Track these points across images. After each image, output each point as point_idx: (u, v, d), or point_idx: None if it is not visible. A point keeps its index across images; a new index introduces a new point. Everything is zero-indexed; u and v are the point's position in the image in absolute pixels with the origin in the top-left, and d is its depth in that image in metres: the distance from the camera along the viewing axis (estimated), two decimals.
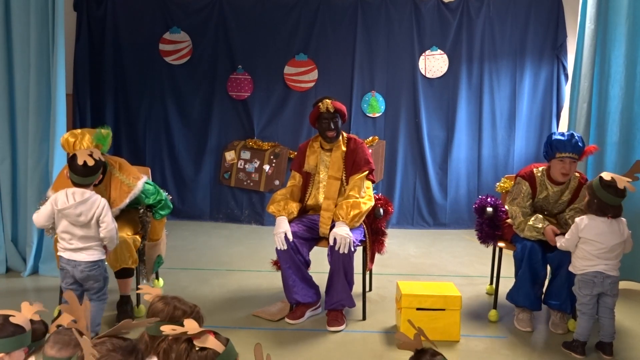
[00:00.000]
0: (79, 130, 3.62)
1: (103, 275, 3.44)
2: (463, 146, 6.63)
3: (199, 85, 6.66)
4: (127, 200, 3.75)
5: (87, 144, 3.50)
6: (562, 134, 3.79)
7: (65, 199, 3.31)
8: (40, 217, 3.40)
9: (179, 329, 1.76)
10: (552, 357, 3.50)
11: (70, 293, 1.92)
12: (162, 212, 3.98)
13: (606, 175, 3.39)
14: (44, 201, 3.87)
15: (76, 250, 3.34)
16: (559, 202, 3.90)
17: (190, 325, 1.77)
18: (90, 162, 3.30)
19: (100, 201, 3.36)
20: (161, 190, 3.99)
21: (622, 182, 3.32)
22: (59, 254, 3.41)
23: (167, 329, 1.77)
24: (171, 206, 4.06)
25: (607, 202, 3.37)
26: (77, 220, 3.30)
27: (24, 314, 2.01)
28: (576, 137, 3.75)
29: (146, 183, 3.86)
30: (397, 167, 6.62)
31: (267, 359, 1.69)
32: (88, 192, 3.35)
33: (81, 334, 1.75)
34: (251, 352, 3.50)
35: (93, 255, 3.37)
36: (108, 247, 3.46)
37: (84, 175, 3.33)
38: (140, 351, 1.80)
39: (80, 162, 3.29)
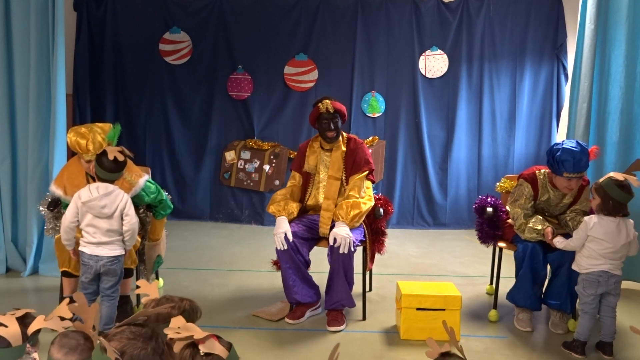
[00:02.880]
0: (83, 129, 3.63)
1: (121, 269, 3.51)
2: (463, 146, 6.64)
3: (199, 85, 6.66)
4: (128, 195, 3.75)
5: (100, 142, 3.57)
6: (569, 151, 3.59)
7: (89, 193, 3.39)
8: (67, 215, 3.47)
9: (184, 332, 1.74)
10: (552, 357, 3.50)
11: (79, 294, 1.92)
12: (163, 212, 3.99)
13: (619, 176, 3.42)
14: (49, 195, 3.89)
15: (99, 245, 3.41)
16: (560, 204, 3.89)
17: (196, 330, 1.75)
18: (121, 158, 3.39)
19: (123, 195, 3.46)
20: (162, 190, 3.99)
21: (635, 182, 3.38)
22: (80, 249, 3.45)
23: (171, 332, 1.75)
24: (172, 206, 4.07)
25: (621, 201, 3.40)
26: (101, 212, 3.38)
27: (18, 326, 1.88)
28: (582, 154, 3.59)
29: (148, 182, 3.87)
30: (397, 167, 6.62)
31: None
32: (112, 186, 3.43)
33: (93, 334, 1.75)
34: (251, 352, 3.49)
35: (115, 250, 3.44)
36: (127, 244, 3.51)
37: (112, 171, 3.41)
38: (159, 335, 1.79)
39: (111, 157, 3.38)
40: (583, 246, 3.49)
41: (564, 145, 3.65)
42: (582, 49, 4.74)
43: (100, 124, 3.72)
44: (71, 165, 3.85)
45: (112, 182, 3.46)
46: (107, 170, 3.40)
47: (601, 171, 4.51)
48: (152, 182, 3.95)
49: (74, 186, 3.66)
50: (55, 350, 1.83)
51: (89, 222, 3.41)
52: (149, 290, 2.17)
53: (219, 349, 1.73)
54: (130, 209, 3.47)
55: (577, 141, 3.72)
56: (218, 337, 1.77)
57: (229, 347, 1.78)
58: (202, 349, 1.72)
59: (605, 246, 3.40)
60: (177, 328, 1.76)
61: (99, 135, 3.59)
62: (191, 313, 2.11)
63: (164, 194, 4.00)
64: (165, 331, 1.76)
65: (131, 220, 3.46)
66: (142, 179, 3.83)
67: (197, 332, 1.74)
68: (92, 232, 3.41)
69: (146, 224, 3.95)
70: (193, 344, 1.75)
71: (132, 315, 1.83)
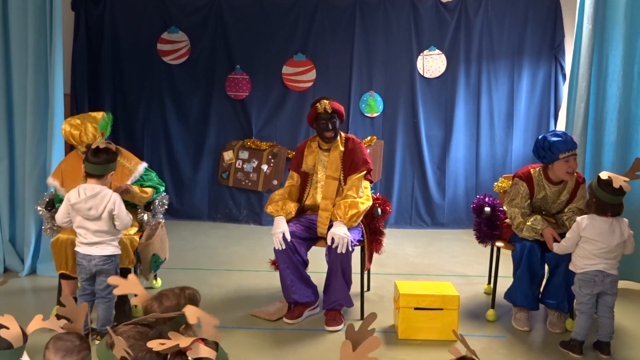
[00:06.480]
0: (77, 121, 3.68)
1: (115, 270, 3.47)
2: (461, 146, 6.64)
3: (197, 85, 6.66)
4: (129, 182, 3.81)
5: (92, 132, 3.59)
6: (555, 134, 3.79)
7: (77, 195, 3.37)
8: (58, 214, 3.48)
9: (168, 343, 1.72)
10: (550, 357, 3.50)
11: (67, 296, 1.92)
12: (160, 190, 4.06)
13: (603, 175, 3.41)
14: (47, 195, 3.90)
15: (91, 245, 3.40)
16: (557, 202, 3.90)
17: (179, 338, 1.74)
18: (102, 146, 3.36)
19: (111, 195, 3.39)
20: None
21: (618, 181, 3.32)
22: (75, 249, 3.47)
23: (155, 345, 1.72)
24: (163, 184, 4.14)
25: (605, 200, 3.38)
26: (88, 215, 3.36)
27: (19, 327, 1.88)
28: (566, 134, 3.81)
29: (146, 169, 3.96)
30: (395, 166, 6.62)
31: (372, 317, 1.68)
32: (99, 187, 3.38)
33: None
34: (249, 352, 3.48)
35: (106, 249, 3.41)
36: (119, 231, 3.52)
37: (99, 162, 3.34)
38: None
39: (93, 145, 3.36)
40: (577, 246, 3.49)
41: (547, 134, 3.84)
42: (579, 49, 4.74)
43: (93, 113, 3.75)
44: (70, 157, 3.88)
45: (102, 176, 3.40)
46: (94, 162, 3.35)
47: (599, 171, 4.50)
48: (150, 169, 4.04)
49: (71, 179, 3.67)
50: (51, 354, 1.82)
51: (79, 223, 3.40)
52: (131, 288, 2.00)
53: (206, 352, 1.72)
54: (121, 210, 3.39)
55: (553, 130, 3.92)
56: (203, 340, 1.77)
57: (216, 347, 1.78)
58: (190, 355, 1.72)
59: (599, 246, 3.40)
60: (161, 340, 1.74)
61: (91, 125, 3.62)
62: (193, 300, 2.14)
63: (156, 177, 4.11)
64: (149, 345, 1.73)
65: (123, 220, 3.41)
66: (141, 165, 3.91)
67: (181, 340, 1.72)
68: (84, 234, 3.40)
69: (144, 224, 3.95)
70: (180, 352, 1.74)
71: (141, 317, 1.83)
